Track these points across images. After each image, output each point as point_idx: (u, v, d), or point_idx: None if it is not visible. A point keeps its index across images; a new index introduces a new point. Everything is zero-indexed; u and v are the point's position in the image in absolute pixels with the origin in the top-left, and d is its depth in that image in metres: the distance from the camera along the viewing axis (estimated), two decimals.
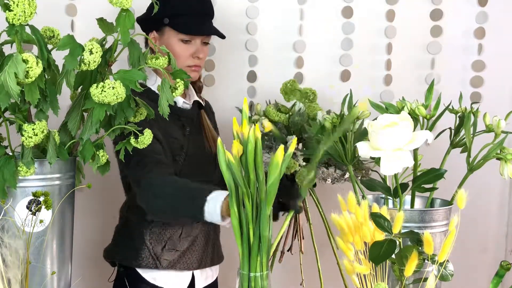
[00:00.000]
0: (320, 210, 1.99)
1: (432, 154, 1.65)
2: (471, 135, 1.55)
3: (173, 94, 1.53)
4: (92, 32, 1.59)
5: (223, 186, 1.57)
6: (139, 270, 1.84)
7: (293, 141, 1.35)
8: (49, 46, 1.47)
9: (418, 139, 1.43)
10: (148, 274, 1.84)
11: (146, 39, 1.92)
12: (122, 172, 1.88)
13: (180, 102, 1.88)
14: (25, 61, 1.29)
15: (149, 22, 1.86)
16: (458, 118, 1.62)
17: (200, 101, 1.96)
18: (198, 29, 1.88)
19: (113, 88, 1.38)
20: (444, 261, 1.30)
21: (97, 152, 1.51)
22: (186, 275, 1.89)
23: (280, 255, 2.03)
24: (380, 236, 1.32)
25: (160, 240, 1.82)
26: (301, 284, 2.03)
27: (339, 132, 1.54)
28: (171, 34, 1.86)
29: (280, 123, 1.95)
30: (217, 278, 2.02)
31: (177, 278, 1.88)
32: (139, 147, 1.53)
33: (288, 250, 2.03)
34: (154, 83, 1.85)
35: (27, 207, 1.42)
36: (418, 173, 1.55)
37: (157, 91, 1.80)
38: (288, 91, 2.00)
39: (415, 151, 1.54)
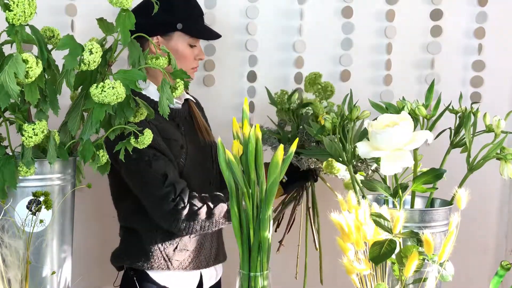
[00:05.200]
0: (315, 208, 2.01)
1: (432, 154, 1.65)
2: (471, 135, 1.55)
3: (173, 94, 1.52)
4: (92, 32, 1.59)
5: (221, 178, 1.88)
6: (150, 273, 1.83)
7: (294, 141, 1.35)
8: (49, 46, 1.47)
9: (418, 139, 1.43)
10: (159, 276, 1.83)
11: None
12: (113, 182, 1.89)
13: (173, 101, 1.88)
14: (25, 61, 1.29)
15: (155, 26, 1.81)
16: (458, 118, 1.61)
17: (190, 98, 1.97)
18: (211, 33, 1.93)
19: (113, 88, 1.38)
20: (444, 261, 1.30)
21: (97, 152, 1.50)
22: (195, 275, 1.90)
23: (278, 247, 2.05)
24: (380, 236, 1.32)
25: (172, 241, 1.82)
26: (295, 277, 2.04)
27: None
28: (180, 39, 1.86)
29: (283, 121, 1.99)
30: (220, 278, 2.02)
31: (187, 278, 1.88)
32: (139, 147, 1.53)
33: (279, 242, 2.04)
34: (146, 87, 1.83)
35: (27, 207, 1.42)
36: (418, 173, 1.55)
37: (148, 95, 1.81)
38: (312, 82, 2.02)
39: (415, 151, 1.54)
